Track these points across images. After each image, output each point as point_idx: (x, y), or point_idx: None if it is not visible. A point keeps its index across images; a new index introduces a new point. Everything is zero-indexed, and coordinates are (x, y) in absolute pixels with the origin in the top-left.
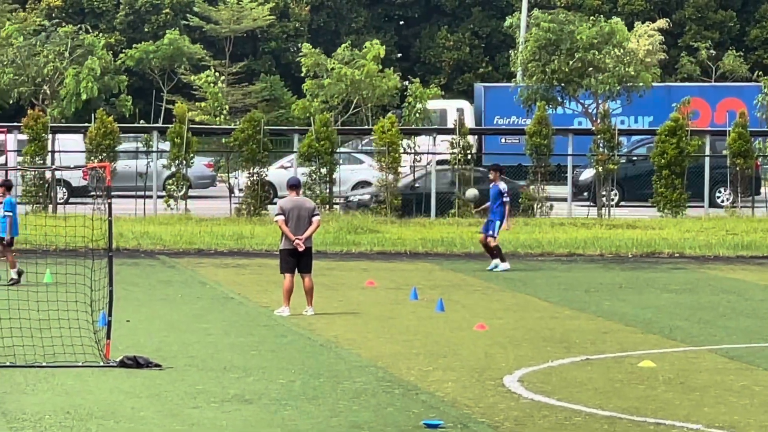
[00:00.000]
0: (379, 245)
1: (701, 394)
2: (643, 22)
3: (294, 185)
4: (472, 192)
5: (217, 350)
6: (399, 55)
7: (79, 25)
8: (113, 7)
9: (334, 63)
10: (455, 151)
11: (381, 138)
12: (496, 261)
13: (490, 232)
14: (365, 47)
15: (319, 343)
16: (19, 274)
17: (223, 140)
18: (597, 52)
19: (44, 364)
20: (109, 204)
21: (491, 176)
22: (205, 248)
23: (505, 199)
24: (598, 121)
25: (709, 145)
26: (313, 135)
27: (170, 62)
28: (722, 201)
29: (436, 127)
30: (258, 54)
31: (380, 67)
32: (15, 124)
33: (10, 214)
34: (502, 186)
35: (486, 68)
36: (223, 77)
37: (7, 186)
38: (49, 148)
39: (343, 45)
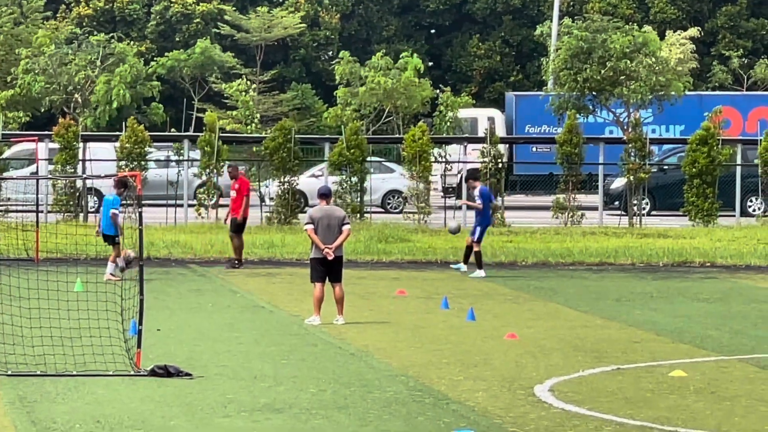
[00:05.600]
0: (410, 254)
1: (732, 404)
2: (674, 31)
3: (324, 194)
4: (455, 224)
5: (247, 359)
6: (430, 63)
7: (110, 34)
8: (144, 15)
9: (368, 71)
10: (486, 159)
11: (411, 147)
12: (466, 267)
13: (474, 237)
14: (401, 58)
15: (350, 352)
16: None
17: (254, 149)
18: (629, 61)
19: (74, 372)
20: (140, 213)
21: (472, 184)
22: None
23: (493, 201)
24: (630, 130)
25: (741, 154)
26: (344, 144)
27: (201, 71)
28: (754, 210)
29: (467, 135)
30: (289, 62)
31: (417, 78)
32: (46, 132)
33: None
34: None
35: (517, 77)
36: (254, 86)
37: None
38: (80, 157)
39: (378, 54)
